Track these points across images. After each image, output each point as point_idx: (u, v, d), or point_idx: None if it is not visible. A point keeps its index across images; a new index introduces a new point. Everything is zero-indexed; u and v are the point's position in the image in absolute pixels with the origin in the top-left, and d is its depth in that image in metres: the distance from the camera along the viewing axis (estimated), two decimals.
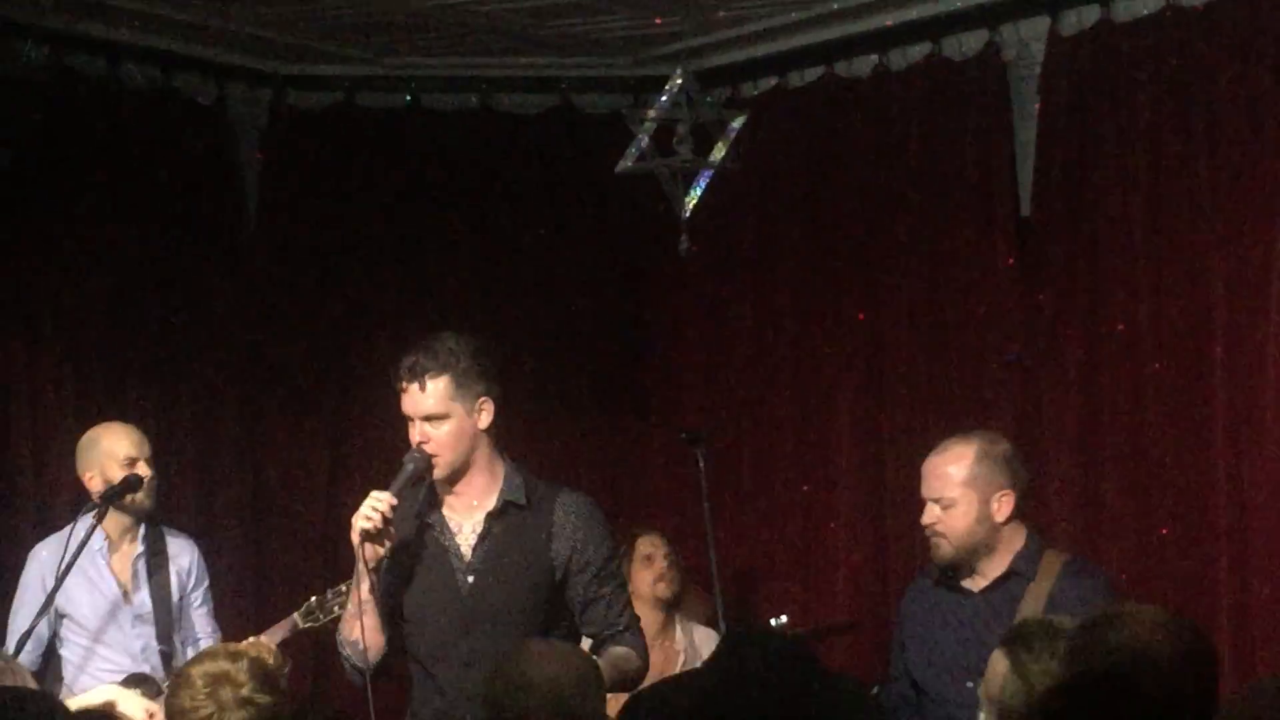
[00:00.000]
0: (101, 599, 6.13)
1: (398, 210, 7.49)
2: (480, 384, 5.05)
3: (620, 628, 5.10)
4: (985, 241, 6.79)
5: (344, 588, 5.73)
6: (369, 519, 4.88)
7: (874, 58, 7.08)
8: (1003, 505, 5.31)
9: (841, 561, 7.11)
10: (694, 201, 6.35)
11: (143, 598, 6.18)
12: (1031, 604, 5.16)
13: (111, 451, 6.10)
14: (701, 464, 6.42)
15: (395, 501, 4.92)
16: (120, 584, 6.15)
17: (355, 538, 4.91)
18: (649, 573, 6.79)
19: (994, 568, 5.33)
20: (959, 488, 5.32)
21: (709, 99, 6.24)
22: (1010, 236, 6.75)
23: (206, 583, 6.38)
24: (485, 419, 5.06)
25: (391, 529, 4.93)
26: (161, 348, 7.06)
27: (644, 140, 6.08)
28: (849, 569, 7.09)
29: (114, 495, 6.02)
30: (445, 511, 5.12)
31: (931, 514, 5.36)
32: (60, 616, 6.09)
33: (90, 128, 6.87)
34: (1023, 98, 6.73)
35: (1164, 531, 6.25)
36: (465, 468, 5.06)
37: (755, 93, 7.39)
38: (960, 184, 6.82)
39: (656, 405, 7.78)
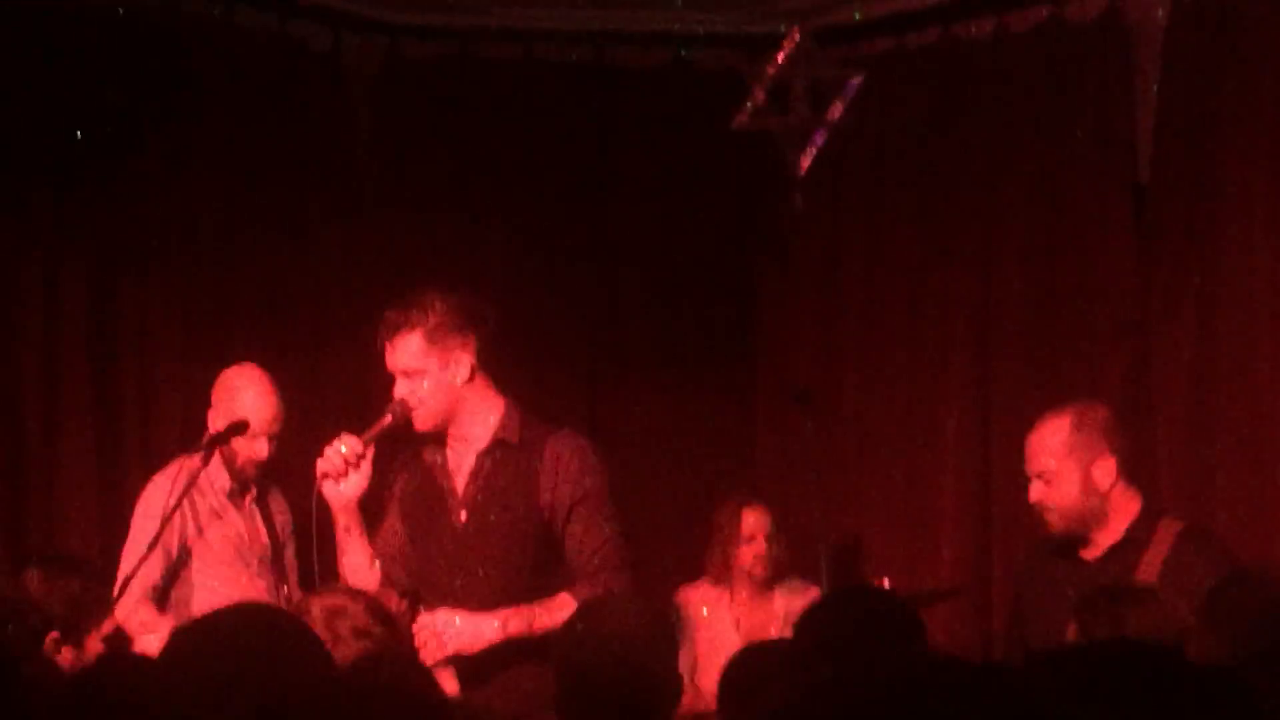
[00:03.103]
0: (234, 540, 6.16)
1: (509, 163, 7.46)
2: (455, 338, 5.18)
3: (590, 570, 5.17)
4: (1101, 207, 6.70)
5: None
6: (329, 461, 5.11)
7: (993, 20, 6.98)
8: (1105, 472, 5.33)
9: (946, 527, 7.04)
10: (809, 160, 6.38)
11: (265, 543, 6.23)
12: (1146, 571, 5.17)
13: (247, 412, 6.09)
14: (809, 423, 6.40)
15: (362, 450, 5.11)
16: (247, 526, 6.20)
17: (317, 480, 5.13)
18: (749, 550, 6.77)
19: (1107, 536, 5.35)
20: (1058, 459, 5.34)
21: (826, 57, 6.25)
22: (1127, 203, 6.66)
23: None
24: (461, 372, 5.18)
25: (357, 474, 5.12)
26: (270, 292, 7.05)
27: (760, 96, 6.02)
28: (953, 535, 7.02)
29: (220, 440, 6.02)
30: (448, 452, 5.29)
31: (1037, 489, 5.40)
32: (184, 558, 6.06)
33: (205, 70, 6.87)
34: (1143, 62, 6.63)
35: (1273, 500, 6.16)
36: (453, 415, 5.21)
37: (872, 53, 7.31)
38: (1078, 148, 6.73)
39: (765, 364, 7.73)
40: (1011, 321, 6.94)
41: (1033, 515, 5.49)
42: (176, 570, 6.04)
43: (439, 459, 5.30)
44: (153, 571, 5.92)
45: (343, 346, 7.11)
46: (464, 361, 5.19)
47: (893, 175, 7.28)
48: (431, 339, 5.15)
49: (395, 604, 5.09)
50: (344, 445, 5.12)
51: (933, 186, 7.18)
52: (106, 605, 5.11)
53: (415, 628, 5.17)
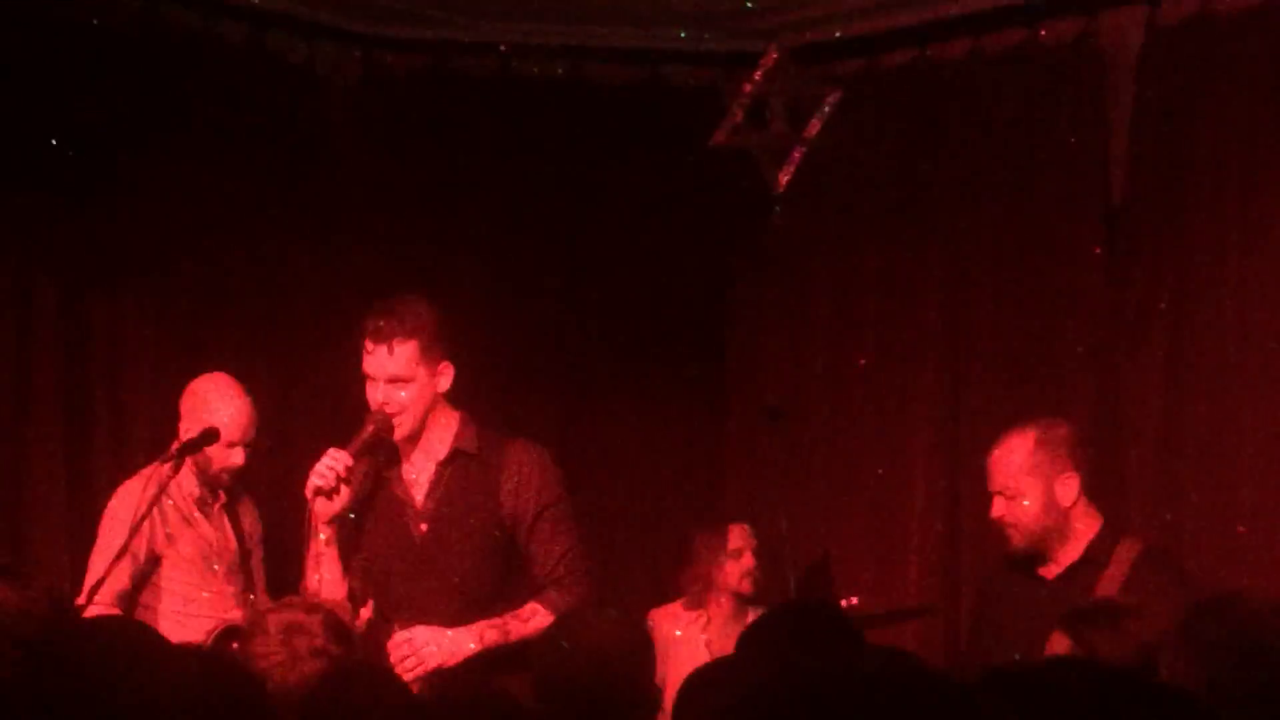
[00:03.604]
0: (202, 545, 6.14)
1: (484, 177, 7.45)
2: (441, 348, 5.21)
3: (556, 576, 5.20)
4: (1073, 228, 6.70)
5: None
6: (323, 476, 5.06)
7: (969, 41, 6.98)
8: (1067, 489, 5.32)
9: (915, 545, 7.03)
10: (787, 177, 6.46)
11: (233, 550, 6.22)
12: (1104, 591, 5.16)
13: (220, 421, 6.08)
14: (778, 440, 6.47)
15: (351, 462, 5.09)
16: (215, 532, 6.18)
17: (309, 494, 5.08)
18: (736, 566, 6.73)
19: (1067, 554, 5.34)
20: (1022, 476, 5.34)
21: (805, 75, 6.28)
22: (1099, 225, 6.64)
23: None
24: (445, 382, 5.21)
25: (345, 487, 5.10)
26: (243, 303, 7.04)
27: (738, 114, 6.04)
28: (923, 553, 7.01)
29: (191, 449, 5.98)
30: (404, 464, 5.27)
31: (999, 506, 5.39)
32: (152, 564, 6.04)
33: (179, 82, 6.85)
34: (1118, 85, 6.64)
35: (1241, 530, 6.17)
36: (422, 427, 5.23)
37: (848, 72, 7.28)
38: (1051, 170, 6.73)
39: (736, 381, 7.72)
40: (982, 341, 6.94)
41: (994, 532, 5.49)
42: (145, 576, 6.02)
43: (395, 471, 5.29)
44: (121, 577, 5.89)
45: (317, 357, 7.11)
46: (448, 373, 5.21)
47: (866, 194, 7.26)
48: (426, 348, 5.16)
49: (361, 618, 5.12)
50: (334, 461, 5.09)
51: (906, 206, 7.17)
52: (65, 617, 4.98)
53: (391, 645, 5.16)
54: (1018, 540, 5.37)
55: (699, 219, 7.59)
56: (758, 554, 6.72)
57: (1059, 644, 4.29)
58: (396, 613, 5.17)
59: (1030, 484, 5.33)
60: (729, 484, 7.59)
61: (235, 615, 5.98)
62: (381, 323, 5.16)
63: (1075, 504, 5.35)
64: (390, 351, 5.14)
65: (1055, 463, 5.34)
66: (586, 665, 3.87)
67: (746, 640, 4.00)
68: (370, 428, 5.16)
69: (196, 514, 6.14)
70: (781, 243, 7.30)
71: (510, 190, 7.48)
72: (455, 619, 5.19)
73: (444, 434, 5.25)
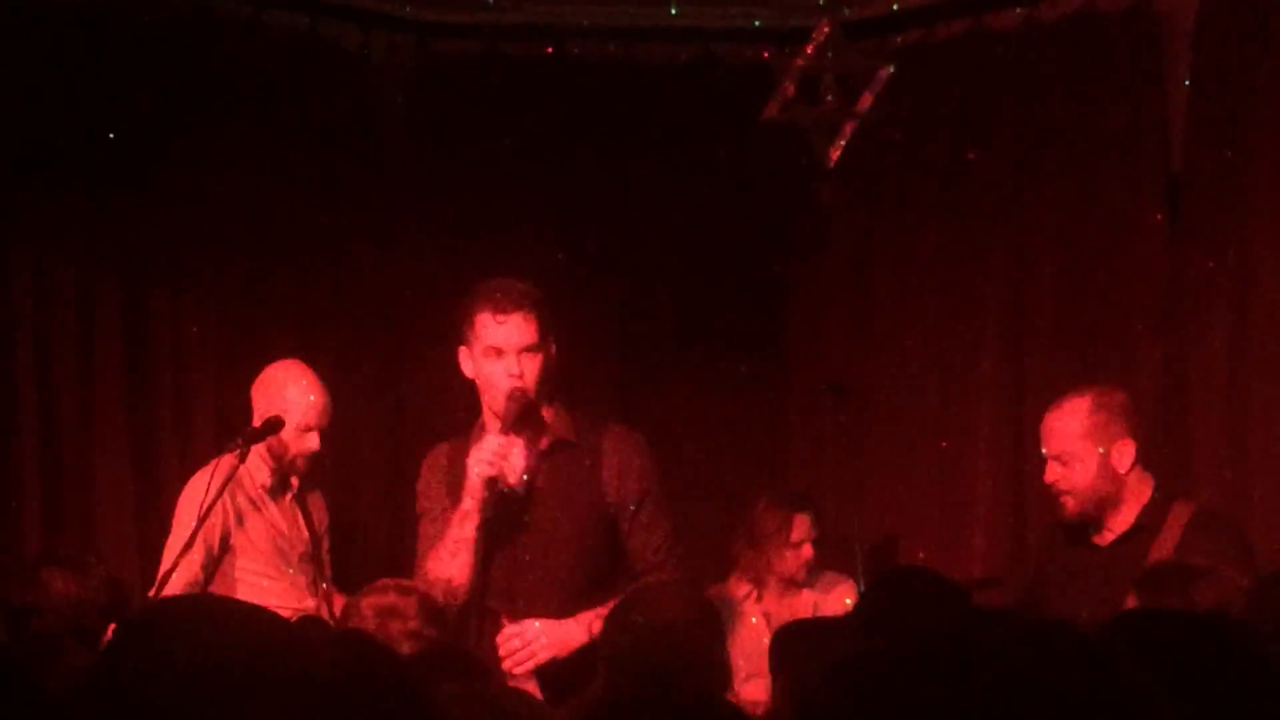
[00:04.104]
0: (274, 535, 6.15)
1: (538, 160, 7.45)
2: (552, 329, 5.16)
3: (657, 563, 5.16)
4: (1133, 197, 6.66)
5: None
6: (491, 463, 4.98)
7: (1023, 10, 6.95)
8: (1123, 455, 5.31)
9: (980, 519, 6.99)
10: (838, 152, 6.36)
11: (305, 539, 6.23)
12: (1158, 558, 5.12)
13: (293, 407, 6.09)
14: (842, 417, 6.48)
15: (510, 444, 5.02)
16: (286, 522, 6.20)
17: (476, 480, 4.98)
18: (795, 557, 6.64)
19: (1120, 521, 5.34)
20: (1077, 440, 5.32)
21: (855, 49, 6.21)
22: (1159, 192, 6.61)
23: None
24: (554, 363, 5.15)
25: (506, 472, 5.02)
26: (303, 293, 7.07)
27: (789, 89, 6.02)
28: (987, 526, 6.97)
29: (256, 436, 5.97)
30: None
31: (1053, 471, 5.37)
32: (225, 554, 6.05)
33: (235, 72, 6.88)
34: (1175, 51, 6.61)
35: None
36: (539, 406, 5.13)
37: (901, 45, 7.26)
38: (1110, 138, 6.67)
39: (797, 358, 7.71)
40: (1044, 312, 6.90)
41: (1048, 498, 5.49)
42: (217, 566, 6.03)
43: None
44: (192, 567, 5.89)
45: (376, 347, 7.20)
46: (555, 353, 5.17)
47: (923, 167, 7.22)
48: (545, 319, 5.11)
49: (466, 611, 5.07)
50: (497, 444, 5.00)
51: (963, 178, 7.12)
52: (125, 606, 5.06)
53: (501, 638, 5.12)
54: (1072, 506, 5.36)
55: (756, 196, 7.56)
56: (817, 545, 6.62)
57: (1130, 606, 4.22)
58: (499, 604, 5.11)
59: (1086, 448, 5.31)
60: (792, 461, 7.57)
61: (308, 604, 6.06)
62: (501, 295, 5.09)
63: (1130, 471, 5.33)
64: (525, 319, 5.06)
65: (1112, 428, 5.33)
66: (656, 639, 3.87)
67: (862, 606, 3.99)
68: (512, 405, 5.04)
69: (268, 503, 6.15)
70: (838, 217, 7.29)
71: (566, 172, 7.48)
72: (560, 609, 5.15)
73: (541, 421, 5.18)
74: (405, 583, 4.77)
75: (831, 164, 6.53)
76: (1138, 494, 5.34)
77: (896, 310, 7.36)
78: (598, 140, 7.50)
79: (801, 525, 6.59)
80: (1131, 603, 4.26)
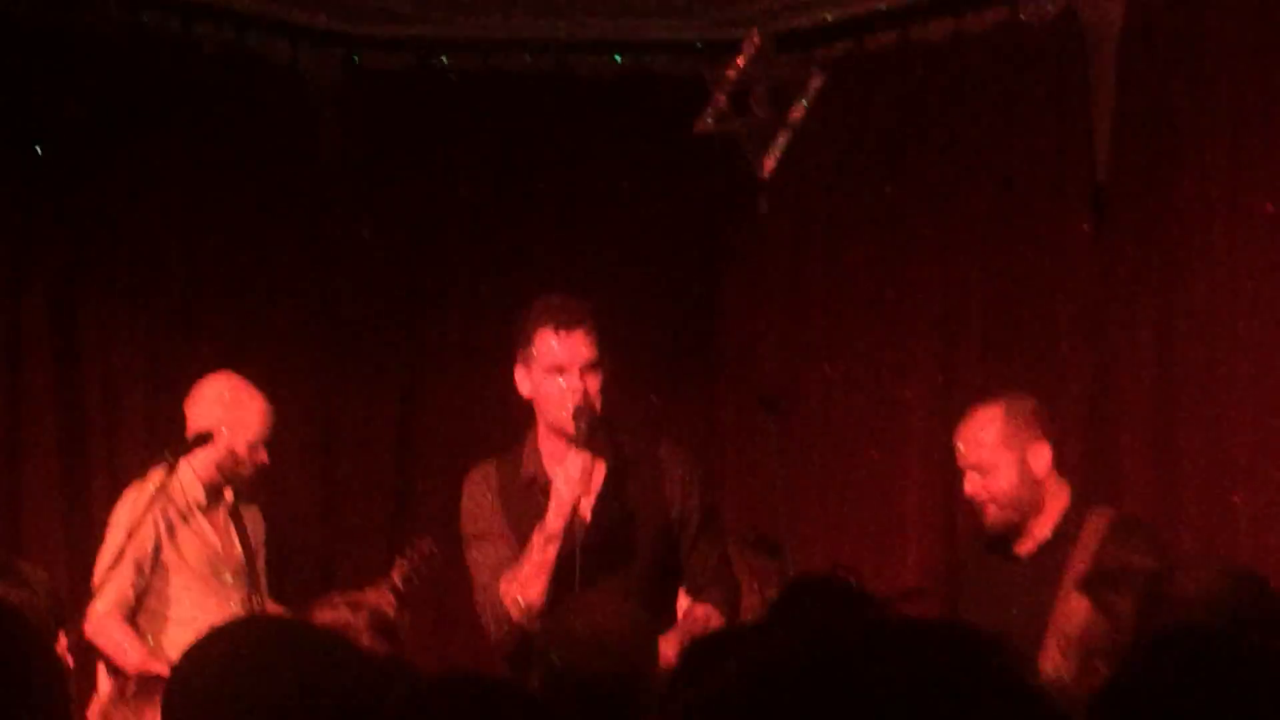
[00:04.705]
0: (207, 550, 6.09)
1: (471, 173, 7.45)
2: (607, 346, 5.08)
3: (713, 578, 5.10)
4: (1061, 207, 6.66)
5: (427, 549, 5.83)
6: (581, 481, 4.86)
7: (951, 21, 6.98)
8: (1040, 458, 5.31)
9: (912, 529, 6.99)
10: (773, 162, 6.42)
11: (239, 555, 6.16)
12: (1078, 565, 5.11)
13: (245, 424, 6.05)
14: (774, 429, 6.22)
15: (590, 460, 4.90)
16: (221, 537, 6.13)
17: (567, 500, 4.85)
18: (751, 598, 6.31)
19: (1040, 529, 5.33)
20: (994, 449, 5.33)
21: (787, 59, 6.28)
22: (1086, 201, 6.62)
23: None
24: (610, 380, 5.06)
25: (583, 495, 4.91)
26: (235, 304, 7.07)
27: (722, 100, 6.04)
28: (919, 536, 6.97)
29: (183, 451, 5.91)
30: (547, 468, 5.06)
31: (973, 482, 5.37)
32: (157, 570, 5.97)
33: (165, 87, 6.87)
34: (1100, 62, 6.63)
35: (1236, 499, 6.17)
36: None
37: (831, 56, 7.24)
38: (1036, 149, 6.70)
39: (728, 369, 7.69)
40: (975, 323, 6.92)
41: (970, 511, 5.52)
42: (149, 583, 5.96)
43: (540, 477, 5.07)
44: (123, 584, 5.86)
45: (307, 359, 7.17)
46: (610, 370, 5.09)
47: (855, 177, 7.23)
48: (600, 342, 5.03)
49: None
50: (582, 464, 4.89)
51: (894, 187, 7.13)
52: (60, 619, 4.96)
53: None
54: (994, 514, 5.35)
55: (690, 208, 7.57)
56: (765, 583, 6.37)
57: (1076, 604, 4.34)
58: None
59: (1003, 456, 5.32)
60: (726, 473, 7.50)
61: None
62: (563, 312, 4.98)
63: (1048, 475, 5.33)
64: (586, 335, 4.96)
65: (1026, 433, 5.33)
66: (585, 648, 3.86)
67: (770, 613, 3.98)
68: (582, 423, 4.90)
69: (200, 517, 6.08)
70: (770, 228, 7.27)
71: (498, 184, 7.47)
72: None
73: (599, 443, 5.01)
74: (357, 597, 4.76)
75: (766, 174, 6.59)
76: (1056, 501, 5.34)
77: (828, 321, 7.35)
78: (531, 153, 7.50)
79: (773, 578, 6.40)
80: (1075, 603, 4.37)
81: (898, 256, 7.16)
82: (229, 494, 6.15)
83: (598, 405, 4.98)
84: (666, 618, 5.02)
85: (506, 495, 5.11)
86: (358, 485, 7.38)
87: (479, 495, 5.16)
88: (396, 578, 5.82)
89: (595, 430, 4.95)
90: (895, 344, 7.15)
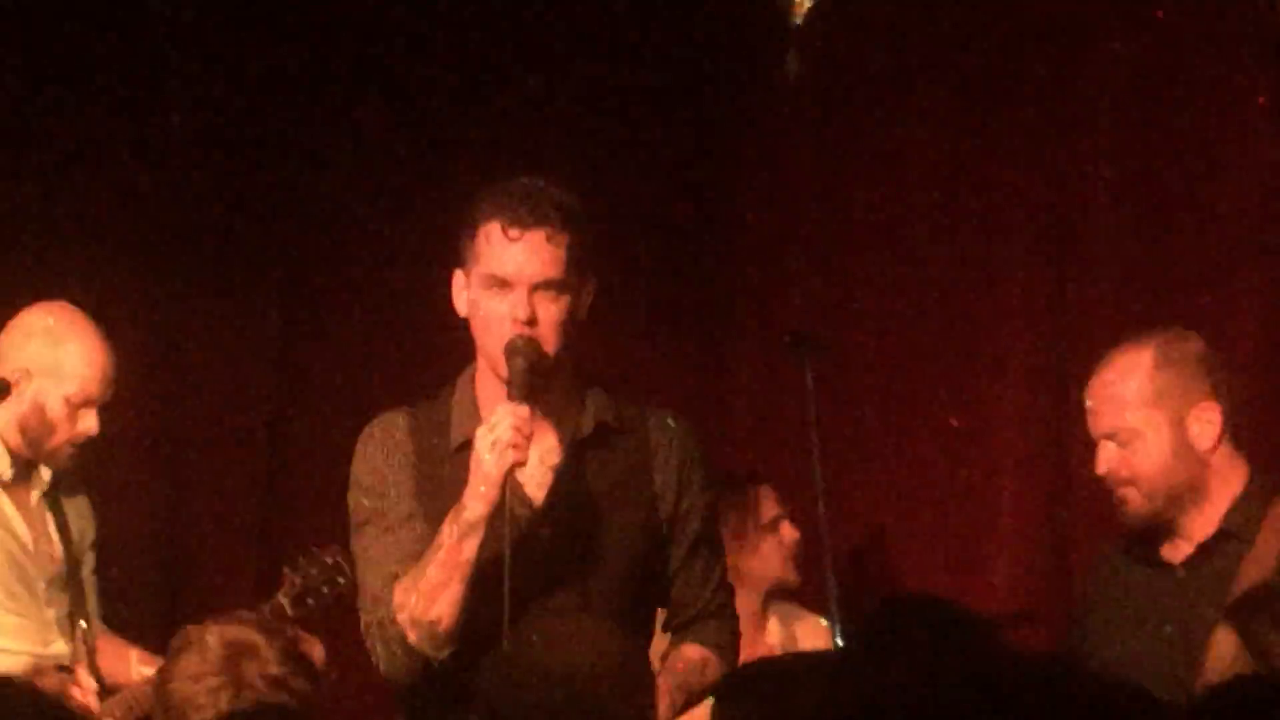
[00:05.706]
0: (11, 548, 5.49)
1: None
2: (592, 259, 4.48)
3: (710, 609, 4.56)
4: (1231, 64, 5.81)
5: (328, 559, 5.37)
6: (513, 444, 4.22)
7: None
8: (1206, 425, 4.71)
9: (1005, 527, 6.18)
10: (806, 6, 5.94)
11: (57, 558, 5.58)
12: (1254, 576, 4.56)
13: (62, 371, 5.44)
14: (809, 379, 5.55)
15: (527, 414, 4.28)
16: (32, 534, 5.54)
17: (493, 470, 4.21)
18: (774, 544, 5.90)
19: (1201, 524, 4.74)
20: (1139, 410, 4.74)
21: None
22: (1265, 62, 5.77)
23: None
24: (585, 309, 4.47)
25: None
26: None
27: None
28: (1015, 538, 6.17)
29: None
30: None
31: (1108, 457, 4.75)
32: None
33: None
34: None
35: None
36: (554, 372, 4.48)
37: None
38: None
39: (747, 298, 6.77)
40: (1100, 232, 6.03)
41: (1106, 497, 4.85)
42: None
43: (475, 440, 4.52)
44: None
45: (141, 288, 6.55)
46: (590, 295, 4.46)
47: (925, 35, 6.31)
48: (580, 248, 4.35)
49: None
50: (514, 416, 4.22)
51: (982, 47, 6.25)
52: None
53: None
54: (1137, 504, 4.71)
55: (690, 69, 6.62)
56: (796, 523, 5.96)
57: (1224, 641, 3.94)
58: (479, 656, 4.20)
59: (1151, 419, 4.69)
60: (736, 436, 6.67)
61: (57, 649, 5.44)
62: (520, 202, 4.32)
63: (1216, 449, 4.69)
64: (548, 239, 4.30)
65: (1187, 389, 4.71)
66: (564, 692, 3.55)
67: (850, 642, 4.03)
68: (519, 360, 4.26)
69: (5, 506, 5.45)
70: (806, 102, 6.38)
71: (452, 40, 6.61)
72: None
73: (570, 400, 4.43)
74: (272, 621, 4.64)
75: (799, 20, 5.95)
76: (1225, 483, 4.70)
77: (882, 230, 6.48)
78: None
79: (771, 501, 5.98)
80: (1224, 640, 3.92)
81: (986, 143, 6.29)
82: (45, 473, 5.49)
83: (553, 341, 4.30)
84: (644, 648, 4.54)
85: (423, 461, 4.46)
86: (219, 463, 6.73)
87: (379, 458, 4.48)
88: (284, 599, 5.35)
89: (543, 375, 4.29)
90: (979, 259, 6.31)
